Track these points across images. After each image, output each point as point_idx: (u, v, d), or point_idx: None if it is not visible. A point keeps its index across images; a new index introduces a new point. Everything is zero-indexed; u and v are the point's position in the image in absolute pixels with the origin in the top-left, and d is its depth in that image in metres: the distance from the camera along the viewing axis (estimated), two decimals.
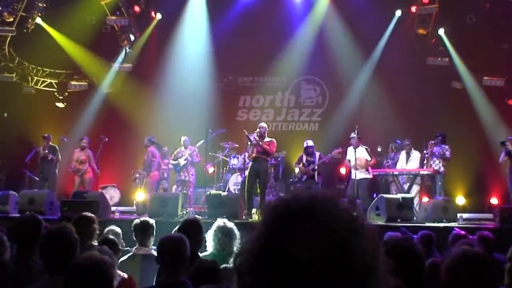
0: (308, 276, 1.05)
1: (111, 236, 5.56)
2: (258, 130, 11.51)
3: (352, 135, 12.57)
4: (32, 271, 3.63)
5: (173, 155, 13.58)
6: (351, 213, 1.14)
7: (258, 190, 11.55)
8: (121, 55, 16.19)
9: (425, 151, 12.61)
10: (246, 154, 12.23)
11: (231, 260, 4.70)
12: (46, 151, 13.44)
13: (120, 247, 5.41)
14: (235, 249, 5.07)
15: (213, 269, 3.81)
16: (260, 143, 11.30)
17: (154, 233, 5.59)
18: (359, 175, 12.41)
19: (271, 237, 1.11)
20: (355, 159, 12.28)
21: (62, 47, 15.37)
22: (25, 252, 3.87)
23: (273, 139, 11.63)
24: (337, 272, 1.06)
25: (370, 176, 12.44)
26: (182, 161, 13.27)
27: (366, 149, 12.45)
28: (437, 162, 12.69)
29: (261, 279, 1.09)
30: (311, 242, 1.07)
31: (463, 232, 6.65)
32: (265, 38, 15.69)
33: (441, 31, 14.88)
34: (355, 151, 12.33)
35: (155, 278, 4.28)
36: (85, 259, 2.89)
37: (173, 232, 4.67)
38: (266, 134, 11.58)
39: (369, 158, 12.43)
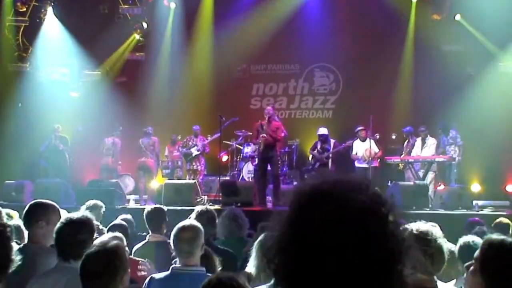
0: (329, 257, 1.06)
1: (123, 222, 5.58)
2: (265, 116, 11.43)
3: (359, 128, 12.68)
4: (40, 257, 3.66)
5: (182, 143, 13.69)
6: (376, 198, 1.14)
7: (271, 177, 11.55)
8: (134, 44, 16.19)
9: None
10: (253, 143, 12.26)
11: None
12: (58, 141, 13.56)
13: (129, 233, 5.43)
14: (244, 235, 5.10)
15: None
16: (269, 131, 11.20)
17: (166, 220, 5.58)
18: (365, 165, 12.57)
19: (294, 218, 1.14)
20: (363, 151, 12.51)
21: (74, 37, 15.37)
22: (34, 237, 3.90)
23: (280, 123, 11.56)
24: (358, 256, 1.06)
25: (375, 164, 12.56)
26: (195, 152, 13.40)
27: (374, 141, 12.49)
28: (450, 149, 12.70)
29: (286, 260, 1.12)
30: (330, 225, 1.08)
31: (477, 219, 6.62)
32: (278, 25, 15.61)
33: (457, 17, 14.71)
34: (364, 143, 12.53)
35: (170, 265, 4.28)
36: (100, 245, 2.92)
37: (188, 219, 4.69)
38: (273, 117, 11.50)
39: (377, 150, 12.54)
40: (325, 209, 1.10)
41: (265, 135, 11.13)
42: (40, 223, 3.84)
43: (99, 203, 6.90)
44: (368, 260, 1.07)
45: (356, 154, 12.89)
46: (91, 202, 6.78)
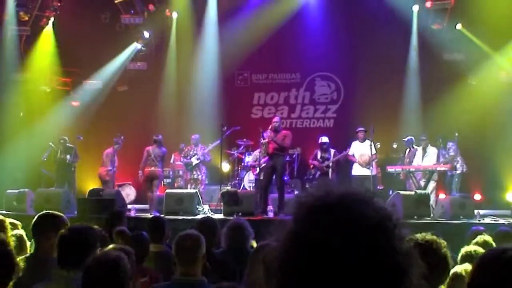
0: (335, 274, 1.05)
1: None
2: (271, 125, 11.44)
3: (359, 128, 12.69)
4: (45, 269, 3.65)
5: (183, 153, 13.66)
6: (382, 212, 1.13)
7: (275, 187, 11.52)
8: (135, 54, 16.23)
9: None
10: (258, 151, 12.26)
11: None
12: (63, 153, 13.52)
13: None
14: (247, 245, 5.05)
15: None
16: (274, 139, 11.21)
17: (166, 230, 5.54)
18: (361, 170, 12.50)
19: (299, 231, 1.12)
20: (358, 156, 12.52)
21: (76, 45, 15.40)
22: (41, 248, 3.90)
23: (288, 132, 11.59)
24: (366, 272, 1.05)
25: (373, 172, 12.41)
26: (195, 161, 13.39)
27: (372, 143, 12.37)
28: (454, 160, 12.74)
29: (288, 272, 1.10)
30: (338, 241, 1.06)
31: (482, 228, 6.59)
32: (278, 34, 15.65)
33: (458, 26, 14.72)
34: (363, 145, 12.51)
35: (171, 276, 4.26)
36: (102, 256, 2.90)
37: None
38: (280, 128, 11.53)
39: (374, 152, 12.40)
40: (333, 224, 1.07)
41: (266, 140, 11.17)
42: (48, 234, 3.83)
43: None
44: (376, 276, 1.06)
45: (353, 155, 12.87)
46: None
